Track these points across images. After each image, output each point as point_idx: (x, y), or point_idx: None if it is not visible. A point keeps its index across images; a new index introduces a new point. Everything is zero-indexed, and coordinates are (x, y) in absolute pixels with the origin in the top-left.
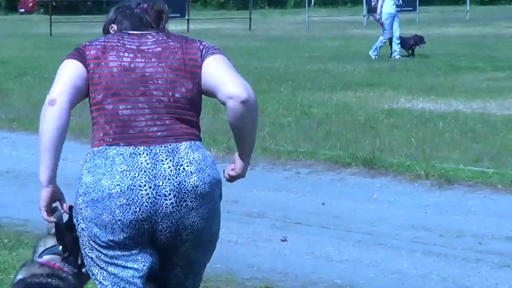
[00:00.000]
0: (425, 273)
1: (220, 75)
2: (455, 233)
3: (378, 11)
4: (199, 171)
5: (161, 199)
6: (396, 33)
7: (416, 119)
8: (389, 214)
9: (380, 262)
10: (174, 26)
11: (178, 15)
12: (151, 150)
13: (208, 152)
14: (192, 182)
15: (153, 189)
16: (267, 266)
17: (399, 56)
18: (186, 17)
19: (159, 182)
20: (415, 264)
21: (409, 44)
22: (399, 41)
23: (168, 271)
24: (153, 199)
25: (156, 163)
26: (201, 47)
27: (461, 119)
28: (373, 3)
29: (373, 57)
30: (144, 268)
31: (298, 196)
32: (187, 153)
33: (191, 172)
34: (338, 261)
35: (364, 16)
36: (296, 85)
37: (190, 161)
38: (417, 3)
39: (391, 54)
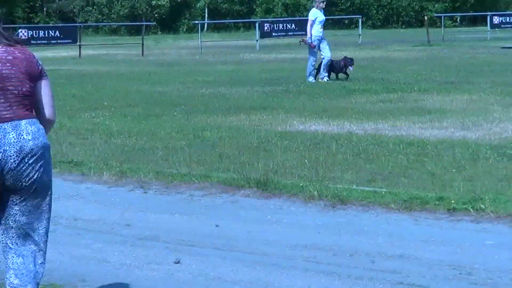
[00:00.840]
0: None
1: (48, 97)
2: (348, 252)
3: (309, 35)
4: (34, 139)
5: (8, 159)
6: (327, 54)
7: (309, 141)
8: (283, 235)
9: (274, 282)
10: (66, 52)
11: (70, 41)
12: (1, 126)
13: (41, 125)
14: (29, 146)
15: (2, 153)
16: None
17: (327, 79)
18: (78, 43)
19: (6, 148)
20: (309, 284)
21: (340, 66)
22: (328, 62)
23: (10, 208)
24: (3, 159)
25: (5, 134)
26: (39, 65)
27: (354, 140)
28: (265, 28)
29: (312, 81)
30: None
31: (192, 218)
32: (26, 127)
33: (28, 139)
34: (231, 282)
35: (256, 40)
36: (189, 109)
37: (28, 132)
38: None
39: (315, 76)
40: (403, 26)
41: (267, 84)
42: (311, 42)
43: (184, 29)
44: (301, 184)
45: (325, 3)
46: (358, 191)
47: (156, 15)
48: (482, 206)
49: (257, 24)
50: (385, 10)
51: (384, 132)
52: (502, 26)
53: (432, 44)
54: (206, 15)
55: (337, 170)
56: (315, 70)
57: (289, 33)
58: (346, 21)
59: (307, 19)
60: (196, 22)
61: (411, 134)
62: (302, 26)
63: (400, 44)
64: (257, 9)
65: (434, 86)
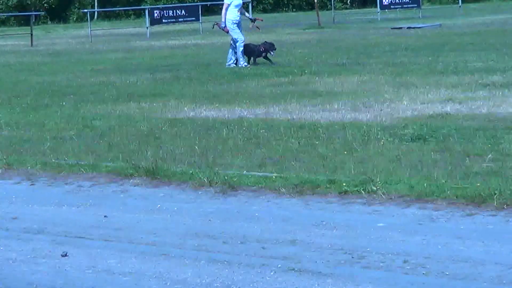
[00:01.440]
0: (209, 281)
1: None
2: (239, 239)
3: (223, 19)
4: None
5: None
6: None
7: (199, 127)
8: (173, 224)
9: (164, 272)
10: None
11: None
12: None
13: None
14: None
15: None
16: (47, 283)
17: (233, 64)
18: None
19: None
20: (199, 273)
21: (260, 51)
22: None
23: None
24: None
25: None
26: None
27: (244, 125)
28: (155, 15)
29: (244, 65)
30: None
31: (80, 210)
32: None
33: None
34: (120, 274)
35: (147, 28)
36: (79, 98)
37: None
38: (200, 13)
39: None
40: (294, 10)
41: (157, 71)
42: (225, 26)
43: (75, 19)
44: (190, 171)
45: None
46: (248, 177)
47: (45, 4)
48: (374, 188)
49: (146, 11)
50: None
51: (275, 116)
52: (391, 7)
53: (322, 27)
54: (96, 4)
55: (228, 156)
56: (242, 54)
57: (179, 20)
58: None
59: (197, 5)
60: (85, 10)
61: (302, 117)
62: (192, 12)
63: (291, 28)
64: None
65: (325, 69)
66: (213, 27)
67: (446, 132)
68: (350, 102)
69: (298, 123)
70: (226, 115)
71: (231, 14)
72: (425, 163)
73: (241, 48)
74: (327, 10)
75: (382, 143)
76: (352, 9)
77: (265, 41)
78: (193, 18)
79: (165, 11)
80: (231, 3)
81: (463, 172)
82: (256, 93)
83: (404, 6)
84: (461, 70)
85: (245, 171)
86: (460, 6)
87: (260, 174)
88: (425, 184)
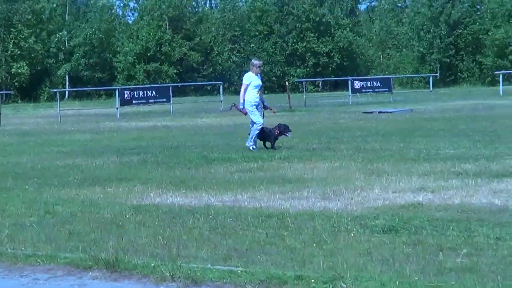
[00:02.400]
0: None
1: None
2: None
3: (241, 100)
4: None
5: None
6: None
7: (164, 215)
8: None
9: None
10: None
11: None
12: None
13: None
14: None
15: None
16: None
17: (253, 147)
18: None
19: None
20: None
21: (275, 135)
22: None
23: None
24: None
25: None
26: None
27: (211, 213)
28: (125, 95)
29: (252, 148)
30: None
31: None
32: None
33: None
34: None
35: (117, 108)
36: (42, 182)
37: None
38: (171, 94)
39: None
40: (266, 92)
41: (124, 154)
42: (243, 108)
43: (45, 97)
44: (152, 264)
45: (261, 68)
46: (213, 271)
47: (16, 83)
48: (343, 285)
49: (116, 92)
50: None
51: (243, 204)
52: (363, 90)
53: (293, 110)
54: (67, 83)
55: (192, 247)
56: (256, 137)
57: (150, 101)
58: (209, 87)
59: (168, 86)
60: (55, 90)
61: (270, 205)
62: (163, 93)
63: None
64: (118, 76)
65: (295, 154)
66: (231, 108)
67: (418, 224)
68: (320, 189)
69: (267, 211)
70: (193, 202)
71: (250, 95)
72: (397, 258)
73: (257, 132)
74: (299, 92)
75: (352, 234)
76: (323, 92)
77: (279, 124)
78: (164, 99)
79: (135, 92)
80: (250, 83)
81: (436, 268)
82: (224, 178)
83: (376, 90)
84: (433, 158)
85: (209, 265)
86: (431, 91)
87: (225, 268)
88: (397, 282)
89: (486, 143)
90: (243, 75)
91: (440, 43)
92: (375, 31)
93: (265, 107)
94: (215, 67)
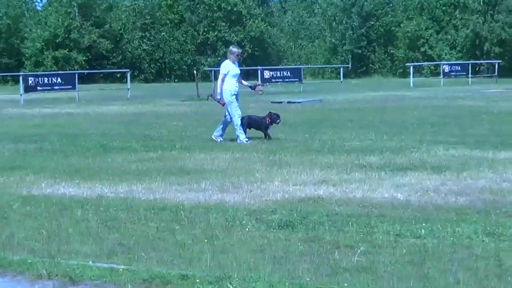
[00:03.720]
0: None
1: None
2: None
3: (218, 90)
4: None
5: None
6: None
7: (54, 206)
8: None
9: None
10: None
11: None
12: None
13: None
14: None
15: None
16: None
17: (220, 138)
18: None
19: None
20: None
21: (266, 124)
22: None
23: None
24: None
25: None
26: None
27: (103, 205)
28: (30, 82)
29: (246, 141)
30: None
31: None
32: None
33: None
34: None
35: (20, 95)
36: None
37: None
38: (76, 81)
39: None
40: (176, 80)
41: (22, 142)
42: (220, 98)
43: None
44: (29, 261)
45: (240, 56)
46: (93, 268)
47: None
48: (230, 286)
49: (21, 78)
50: (158, 64)
51: (137, 195)
52: (272, 80)
53: (201, 99)
54: None
55: (77, 241)
56: (243, 127)
57: (55, 88)
58: (119, 75)
59: (74, 73)
60: None
61: (165, 197)
62: (68, 80)
63: (170, 99)
64: (26, 63)
65: (198, 144)
66: (207, 99)
67: (316, 219)
68: (219, 181)
69: (161, 204)
70: (85, 193)
71: (229, 84)
72: (290, 256)
73: (239, 123)
74: (210, 81)
75: (247, 229)
76: None
77: (270, 112)
78: (70, 86)
79: (40, 79)
80: (228, 72)
81: (330, 268)
82: (120, 168)
83: (286, 80)
84: (338, 149)
85: (90, 262)
86: (341, 82)
87: (106, 265)
88: (287, 283)
89: (393, 134)
90: (153, 64)
91: (352, 35)
92: (287, 21)
93: (253, 87)
94: (125, 54)
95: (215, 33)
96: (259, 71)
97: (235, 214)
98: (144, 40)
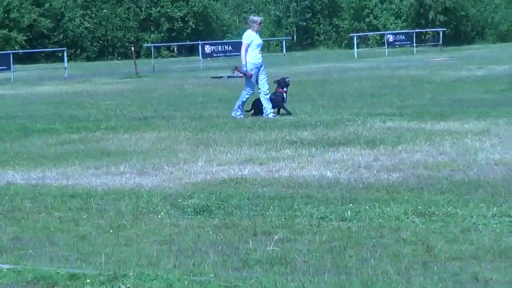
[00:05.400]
0: None
1: None
2: None
3: (243, 62)
4: None
5: None
6: (264, 87)
7: None
8: None
9: None
10: None
11: None
12: None
13: None
14: None
15: None
16: None
17: (273, 114)
18: None
19: None
20: None
21: (282, 96)
22: (268, 96)
23: None
24: None
25: None
26: None
27: (9, 194)
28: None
29: (238, 117)
30: None
31: None
32: None
33: None
34: None
35: None
36: None
37: None
38: (11, 61)
39: (262, 112)
40: (120, 58)
41: None
42: (247, 70)
43: None
44: None
45: (262, 25)
46: None
47: None
48: (123, 286)
49: None
50: (100, 42)
51: (50, 181)
52: (214, 55)
53: (140, 76)
54: None
55: None
56: (243, 105)
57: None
58: (60, 54)
59: (8, 53)
60: None
61: (79, 183)
62: (2, 60)
63: (109, 77)
64: None
65: (124, 123)
66: (233, 72)
67: (236, 203)
68: (139, 163)
69: (72, 190)
70: None
71: (251, 56)
72: (200, 247)
73: (245, 99)
74: (154, 58)
75: (159, 216)
76: (179, 57)
77: (275, 80)
78: (4, 67)
79: None
80: (251, 42)
81: (241, 260)
82: (38, 152)
83: (227, 54)
84: (270, 125)
85: None
86: (284, 55)
87: None
88: (186, 282)
89: (330, 107)
90: (95, 42)
91: (296, 7)
92: None
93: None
94: (67, 33)
95: (158, 9)
96: (199, 46)
97: (150, 200)
98: (86, 18)
